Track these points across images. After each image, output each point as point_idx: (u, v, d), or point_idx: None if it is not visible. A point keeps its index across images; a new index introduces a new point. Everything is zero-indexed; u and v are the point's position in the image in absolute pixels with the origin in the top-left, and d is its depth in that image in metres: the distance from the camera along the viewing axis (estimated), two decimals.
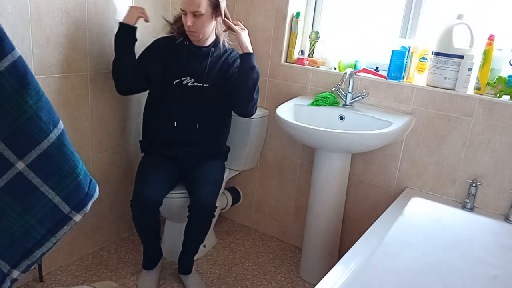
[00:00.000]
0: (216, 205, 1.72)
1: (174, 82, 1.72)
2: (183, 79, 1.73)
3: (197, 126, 1.76)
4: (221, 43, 1.76)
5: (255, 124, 2.05)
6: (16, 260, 1.27)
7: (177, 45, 1.74)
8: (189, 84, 1.73)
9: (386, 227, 1.44)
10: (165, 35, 1.82)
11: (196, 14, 1.61)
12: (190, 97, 1.74)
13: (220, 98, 1.77)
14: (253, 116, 2.01)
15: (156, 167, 1.77)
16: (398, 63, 1.78)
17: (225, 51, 1.78)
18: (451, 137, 1.72)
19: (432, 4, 1.82)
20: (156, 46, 1.78)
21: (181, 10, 1.63)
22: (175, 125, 1.75)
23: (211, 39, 1.75)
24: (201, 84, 1.73)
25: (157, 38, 1.82)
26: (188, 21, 1.61)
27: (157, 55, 1.75)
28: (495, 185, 1.66)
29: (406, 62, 1.78)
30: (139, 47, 1.93)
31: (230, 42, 1.82)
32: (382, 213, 1.63)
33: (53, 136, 1.21)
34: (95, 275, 1.85)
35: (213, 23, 1.68)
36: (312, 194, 1.88)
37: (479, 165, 1.68)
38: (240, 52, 1.71)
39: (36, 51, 1.53)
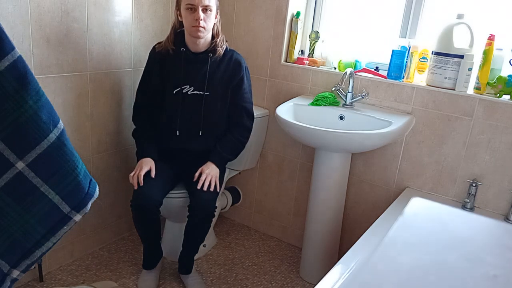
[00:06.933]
0: (216, 205, 1.72)
1: (174, 92, 1.71)
2: (182, 87, 1.71)
3: (200, 134, 1.76)
4: (218, 47, 1.70)
5: (255, 124, 2.04)
6: (16, 260, 1.27)
7: (174, 53, 1.70)
8: (189, 93, 1.72)
9: (386, 227, 1.44)
10: (159, 42, 1.76)
11: (206, 9, 1.59)
12: (191, 106, 1.73)
13: (221, 105, 1.77)
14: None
15: (156, 167, 1.76)
16: (398, 63, 1.78)
17: (224, 54, 1.73)
18: (451, 137, 1.71)
19: (432, 4, 1.82)
20: (152, 61, 1.76)
21: (189, 5, 1.58)
22: (178, 134, 1.75)
23: (206, 44, 1.70)
24: (201, 93, 1.72)
25: (151, 50, 1.77)
26: (200, 16, 1.57)
27: (155, 70, 1.73)
28: (495, 185, 1.66)
29: (406, 61, 1.78)
30: (140, 50, 1.94)
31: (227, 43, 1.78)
32: (382, 213, 1.63)
33: (53, 136, 1.21)
34: (95, 275, 1.85)
35: (213, 21, 1.66)
36: (312, 194, 1.88)
37: (479, 165, 1.68)
38: (237, 63, 1.74)
39: (36, 51, 1.53)
